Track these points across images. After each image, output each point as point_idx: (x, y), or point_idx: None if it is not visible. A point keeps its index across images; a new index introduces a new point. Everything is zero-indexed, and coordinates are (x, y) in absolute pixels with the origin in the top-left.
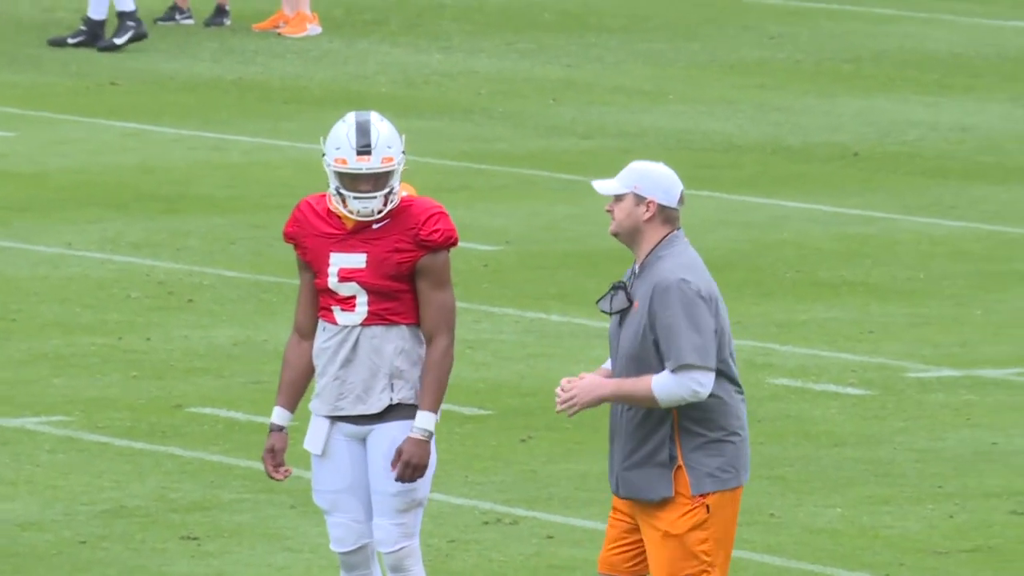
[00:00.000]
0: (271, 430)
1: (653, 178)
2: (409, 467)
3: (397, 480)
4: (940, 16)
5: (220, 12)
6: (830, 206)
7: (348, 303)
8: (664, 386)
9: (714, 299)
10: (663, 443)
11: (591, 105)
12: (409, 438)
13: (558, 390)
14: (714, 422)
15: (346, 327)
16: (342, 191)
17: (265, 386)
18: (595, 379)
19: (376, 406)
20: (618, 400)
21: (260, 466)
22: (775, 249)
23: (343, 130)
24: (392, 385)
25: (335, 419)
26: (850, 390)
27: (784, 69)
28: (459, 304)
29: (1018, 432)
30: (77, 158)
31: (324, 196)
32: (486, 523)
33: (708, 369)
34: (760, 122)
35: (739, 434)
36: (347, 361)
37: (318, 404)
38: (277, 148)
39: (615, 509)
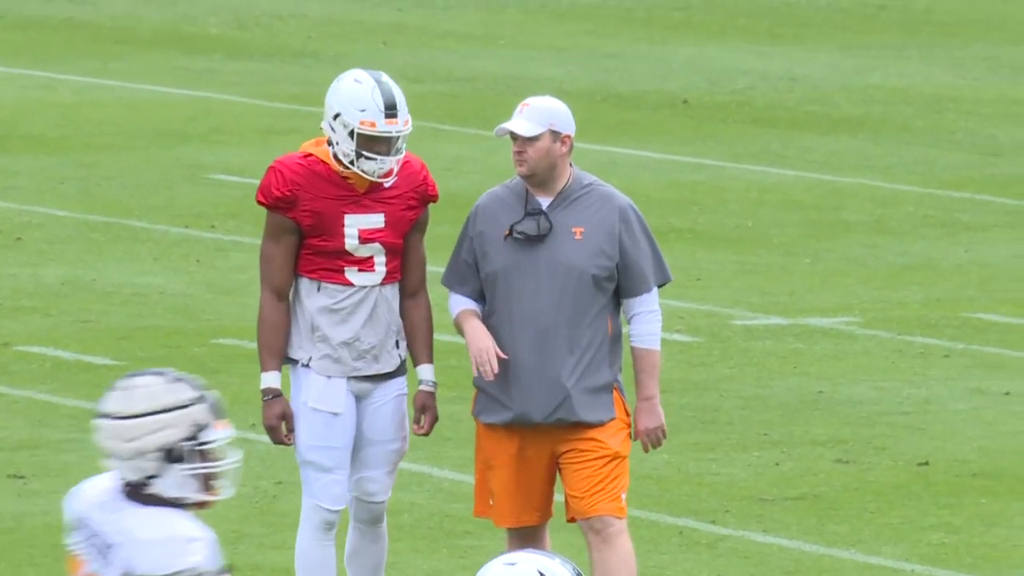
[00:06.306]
0: (273, 396)
1: (562, 114)
2: (435, 420)
3: (426, 434)
4: None
5: None
6: (659, 153)
7: (367, 263)
8: (652, 323)
9: None
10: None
11: (421, 49)
12: (425, 392)
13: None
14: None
15: (364, 287)
16: (364, 152)
17: (92, 325)
18: (649, 409)
19: (390, 364)
20: (656, 381)
21: (87, 404)
22: None
23: (365, 91)
24: (398, 343)
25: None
26: (677, 336)
27: (615, 16)
28: None
29: (844, 381)
30: None
31: (312, 157)
32: None
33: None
34: (590, 68)
35: None
36: (366, 322)
37: (329, 365)
38: (107, 88)
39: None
